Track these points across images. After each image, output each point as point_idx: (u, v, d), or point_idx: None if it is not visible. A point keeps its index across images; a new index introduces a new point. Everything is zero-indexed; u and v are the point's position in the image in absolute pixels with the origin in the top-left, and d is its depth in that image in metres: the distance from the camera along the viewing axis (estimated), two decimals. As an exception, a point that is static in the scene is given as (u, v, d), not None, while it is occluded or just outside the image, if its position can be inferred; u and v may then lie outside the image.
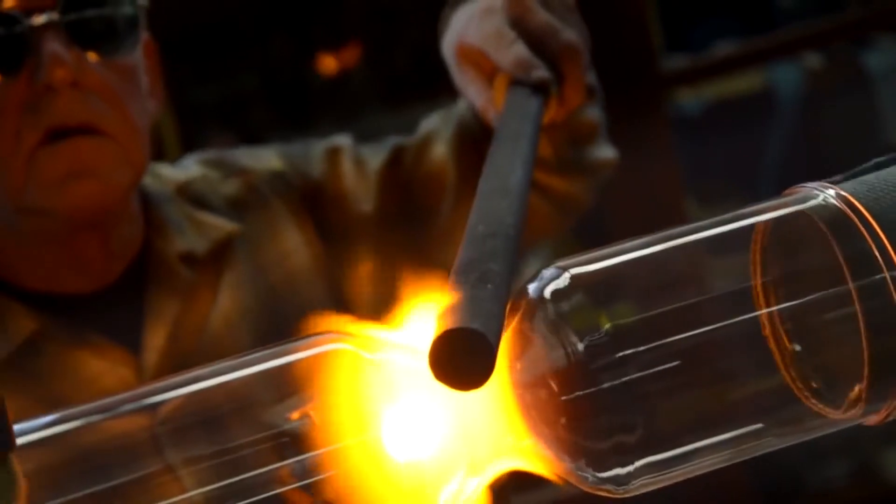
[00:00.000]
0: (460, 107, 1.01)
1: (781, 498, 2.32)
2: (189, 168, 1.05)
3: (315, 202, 1.03)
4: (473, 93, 0.88)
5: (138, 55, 0.92)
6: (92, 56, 0.88)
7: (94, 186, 0.88)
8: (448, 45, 0.91)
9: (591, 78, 0.92)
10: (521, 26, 0.86)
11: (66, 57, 0.86)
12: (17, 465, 0.38)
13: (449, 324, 0.41)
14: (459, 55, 0.89)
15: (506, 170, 0.62)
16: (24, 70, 0.86)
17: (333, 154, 1.05)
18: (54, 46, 0.86)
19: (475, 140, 0.98)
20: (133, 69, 0.91)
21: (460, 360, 0.41)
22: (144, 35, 0.93)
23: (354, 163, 1.05)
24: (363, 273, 1.01)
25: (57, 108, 0.86)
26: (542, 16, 0.86)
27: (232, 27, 3.14)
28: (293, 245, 1.01)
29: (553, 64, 0.84)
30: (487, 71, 0.86)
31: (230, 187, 1.03)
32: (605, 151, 1.01)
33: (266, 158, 1.06)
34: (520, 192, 0.58)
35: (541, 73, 0.82)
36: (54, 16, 0.86)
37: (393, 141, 1.06)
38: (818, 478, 2.37)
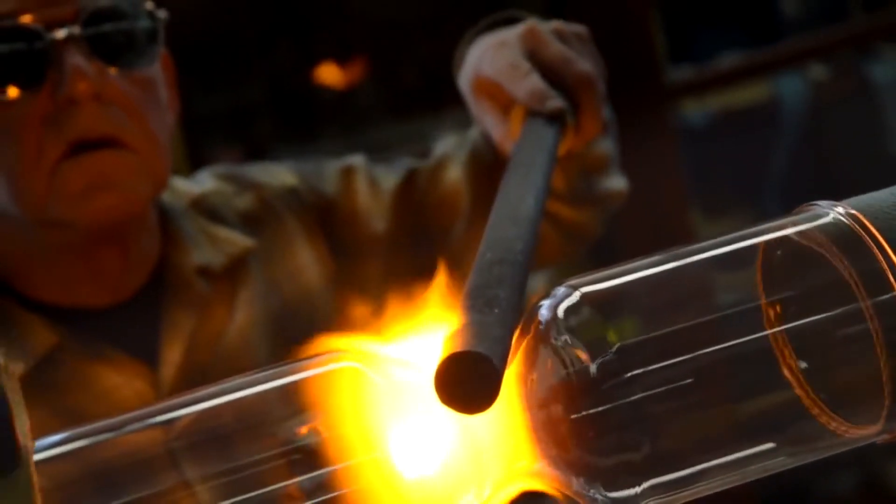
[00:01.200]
0: (474, 132, 1.02)
1: (788, 509, 2.31)
2: (203, 182, 1.06)
3: (328, 219, 1.04)
4: (490, 125, 0.89)
5: (157, 68, 0.93)
6: (112, 69, 0.89)
7: (116, 199, 0.89)
8: (464, 78, 0.92)
9: (605, 112, 0.93)
10: (535, 58, 0.86)
11: (88, 70, 0.87)
12: (35, 480, 0.38)
13: (454, 347, 0.42)
14: (475, 88, 0.90)
15: (517, 198, 0.63)
16: (46, 84, 0.87)
17: (347, 173, 1.06)
18: (76, 60, 0.86)
19: (489, 167, 0.98)
20: (153, 82, 0.92)
21: (465, 384, 0.41)
22: (163, 48, 0.94)
23: (368, 182, 1.05)
24: (373, 292, 1.01)
25: (79, 122, 0.87)
26: (556, 47, 0.87)
27: (238, 39, 3.14)
28: (306, 261, 1.02)
29: (569, 94, 0.85)
30: (503, 103, 0.87)
31: (244, 202, 1.03)
32: (616, 182, 1.01)
33: (280, 174, 1.06)
34: (530, 221, 0.58)
35: (555, 103, 0.82)
36: (75, 29, 0.87)
37: (407, 162, 1.07)
38: (825, 489, 2.36)
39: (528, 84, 0.83)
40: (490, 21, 0.94)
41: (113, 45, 0.89)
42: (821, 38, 2.41)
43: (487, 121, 0.89)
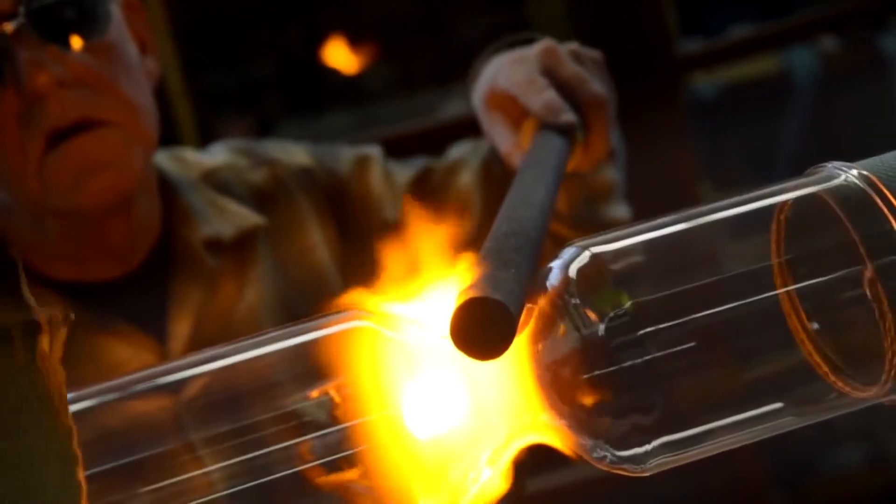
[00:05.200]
0: (486, 144, 1.03)
1: (797, 483, 2.32)
2: (216, 155, 1.05)
3: (339, 202, 1.04)
4: (499, 136, 0.90)
5: (115, 30, 0.90)
6: (69, 50, 0.86)
7: (110, 178, 0.88)
8: (478, 91, 0.93)
9: (614, 138, 0.94)
10: (551, 75, 0.88)
11: (43, 59, 0.85)
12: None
13: (471, 294, 0.42)
14: (489, 100, 0.91)
15: (531, 188, 0.64)
16: (8, 82, 0.85)
17: (363, 160, 1.06)
18: (29, 52, 0.85)
19: (499, 179, 0.99)
20: (114, 47, 0.90)
21: (481, 330, 0.42)
22: (115, 8, 0.91)
23: (383, 173, 1.06)
24: (376, 278, 1.02)
25: (49, 113, 0.85)
26: (573, 67, 0.88)
27: (247, 14, 3.14)
28: (316, 241, 1.02)
29: (580, 114, 0.86)
30: (515, 117, 0.88)
31: (257, 176, 1.03)
32: (620, 211, 1.03)
33: (295, 153, 1.06)
34: (543, 207, 0.60)
35: (569, 116, 0.84)
36: (21, 20, 0.84)
37: (422, 161, 1.08)
38: (832, 464, 2.36)
39: (544, 97, 0.85)
40: (508, 41, 0.96)
41: (62, 25, 0.87)
42: (832, 10, 2.39)
43: (497, 133, 0.90)
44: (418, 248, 1.03)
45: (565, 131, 0.83)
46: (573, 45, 0.91)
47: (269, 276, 0.99)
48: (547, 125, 0.83)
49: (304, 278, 1.00)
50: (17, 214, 0.92)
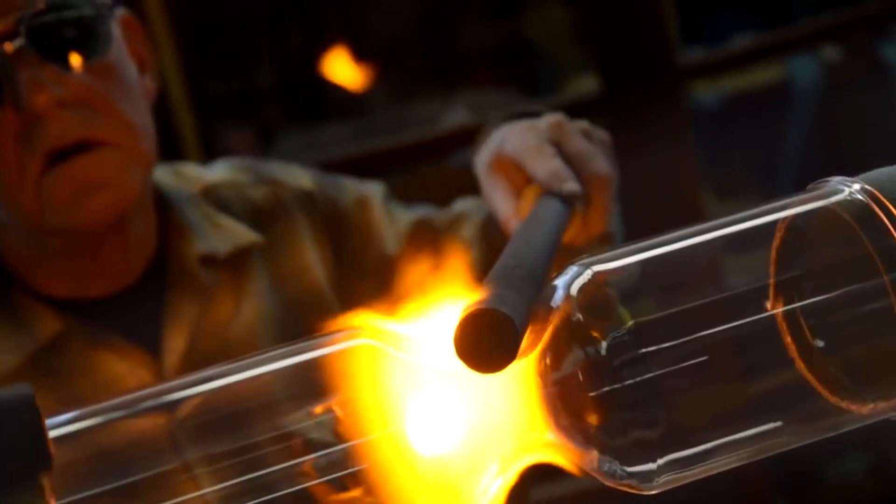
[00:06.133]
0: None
1: (800, 491, 2.31)
2: (218, 171, 1.05)
3: (338, 229, 1.04)
4: (500, 202, 0.90)
5: (115, 51, 0.91)
6: (69, 70, 0.86)
7: (108, 198, 0.89)
8: (482, 156, 0.93)
9: (612, 222, 0.95)
10: (559, 147, 0.89)
11: (43, 79, 0.85)
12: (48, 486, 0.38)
13: (476, 307, 0.42)
14: (493, 164, 0.91)
15: (534, 234, 0.65)
16: (7, 102, 0.85)
17: (366, 195, 1.07)
18: (29, 72, 0.85)
19: (498, 244, 1.00)
20: (113, 67, 0.90)
21: (485, 342, 0.42)
22: (115, 28, 0.91)
23: (385, 210, 1.06)
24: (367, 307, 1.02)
25: (49, 133, 0.86)
26: (581, 142, 0.90)
27: (248, 23, 3.14)
28: (312, 261, 1.02)
29: (583, 189, 0.87)
30: (518, 184, 0.89)
31: (257, 194, 1.03)
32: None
33: (298, 176, 1.06)
34: (546, 250, 0.60)
35: (573, 185, 0.84)
36: (21, 40, 0.84)
37: (424, 208, 1.08)
38: (837, 472, 2.36)
39: (550, 164, 0.85)
40: (516, 111, 0.97)
41: (62, 45, 0.87)
42: (834, 20, 2.40)
43: (498, 198, 0.90)
44: (415, 283, 1.04)
45: (567, 201, 0.83)
46: (583, 123, 0.93)
47: (266, 293, 0.99)
48: (550, 193, 0.84)
49: (301, 296, 1.00)
50: (14, 231, 0.93)
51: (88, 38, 0.88)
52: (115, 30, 0.92)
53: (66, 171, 0.87)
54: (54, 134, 0.86)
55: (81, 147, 0.87)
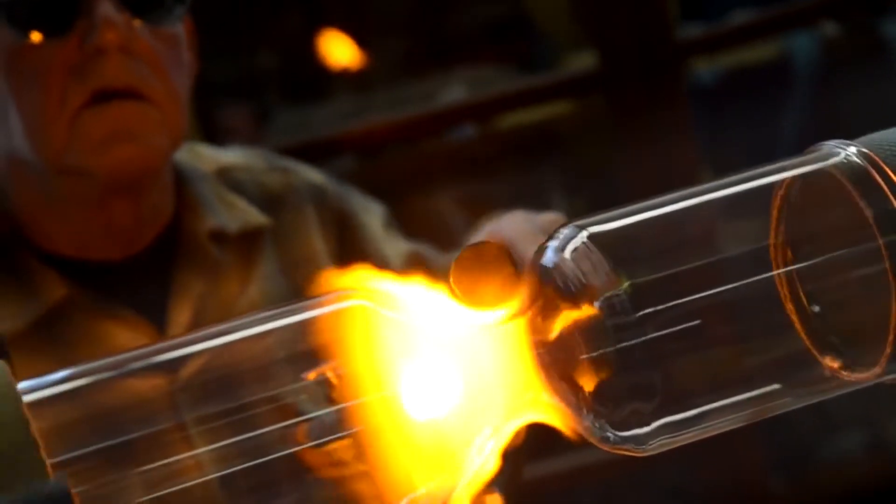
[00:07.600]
0: None
1: (795, 470, 2.32)
2: (232, 154, 1.08)
3: (345, 225, 1.06)
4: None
5: (182, 26, 0.96)
6: (140, 23, 0.91)
7: (135, 150, 0.91)
8: (478, 237, 0.94)
9: None
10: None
11: (118, 20, 0.89)
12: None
13: (474, 243, 0.43)
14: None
15: None
16: (74, 33, 0.89)
17: (371, 206, 1.08)
18: (107, 10, 0.89)
19: None
20: (177, 38, 0.94)
21: (482, 276, 0.42)
22: (187, 9, 0.96)
23: (386, 229, 1.08)
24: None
25: (105, 71, 0.89)
26: None
27: (248, 3, 3.13)
28: (320, 249, 1.04)
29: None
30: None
31: (271, 179, 1.05)
32: None
33: (311, 173, 1.09)
34: None
35: None
36: None
37: (422, 245, 1.09)
38: (832, 450, 2.36)
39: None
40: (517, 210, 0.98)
41: (145, 2, 0.91)
42: (833, -4, 2.39)
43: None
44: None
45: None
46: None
47: (274, 277, 1.00)
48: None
49: (307, 285, 1.01)
50: (28, 175, 0.94)
51: (167, 4, 0.94)
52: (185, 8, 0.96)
53: (106, 110, 0.90)
54: (111, 73, 0.90)
55: (127, 94, 0.90)
